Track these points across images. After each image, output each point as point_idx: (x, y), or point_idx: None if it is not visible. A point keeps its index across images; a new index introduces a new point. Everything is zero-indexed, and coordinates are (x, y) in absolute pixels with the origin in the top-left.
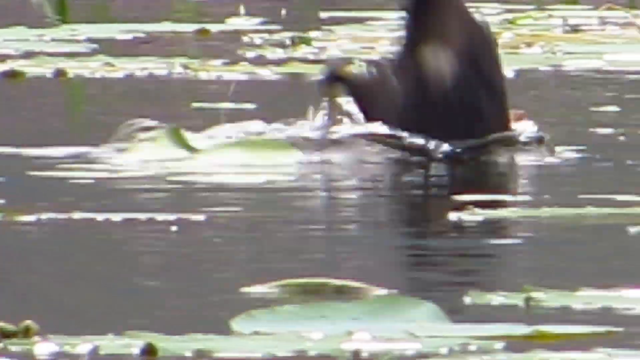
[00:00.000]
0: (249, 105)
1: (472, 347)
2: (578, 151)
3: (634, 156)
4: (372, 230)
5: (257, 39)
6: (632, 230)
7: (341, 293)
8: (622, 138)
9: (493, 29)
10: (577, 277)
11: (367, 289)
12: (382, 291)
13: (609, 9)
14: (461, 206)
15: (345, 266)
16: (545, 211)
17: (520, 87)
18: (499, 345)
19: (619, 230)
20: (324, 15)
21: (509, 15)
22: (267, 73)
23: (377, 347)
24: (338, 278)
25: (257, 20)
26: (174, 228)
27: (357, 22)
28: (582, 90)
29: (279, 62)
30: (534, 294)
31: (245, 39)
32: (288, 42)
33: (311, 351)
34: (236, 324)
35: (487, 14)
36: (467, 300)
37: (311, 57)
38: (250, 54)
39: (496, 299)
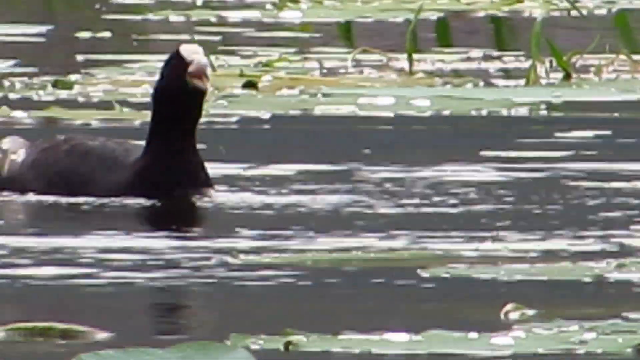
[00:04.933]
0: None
1: None
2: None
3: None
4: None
5: (16, 82)
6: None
7: (67, 336)
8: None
9: (249, 71)
10: (340, 321)
11: (92, 332)
12: (105, 334)
13: (364, 51)
14: (222, 252)
15: (73, 310)
16: (308, 256)
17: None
18: None
19: (383, 273)
20: (80, 57)
21: (264, 58)
22: (23, 116)
23: None
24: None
25: (12, 63)
26: None
27: (115, 65)
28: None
29: (39, 106)
30: (294, 338)
31: (6, 82)
32: (50, 85)
33: None
34: None
35: (244, 56)
36: (229, 343)
37: (70, 100)
38: (11, 96)
39: (257, 342)
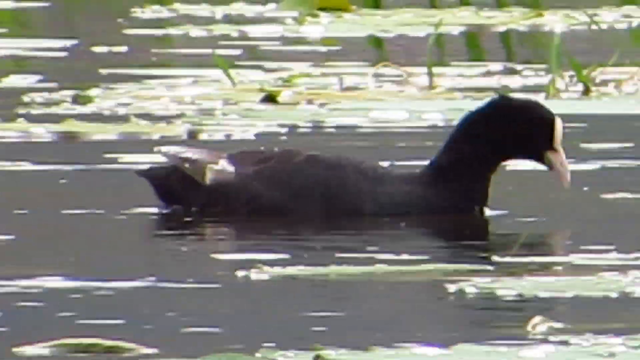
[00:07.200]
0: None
1: None
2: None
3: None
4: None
5: (37, 97)
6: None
7: (112, 352)
8: None
9: (270, 86)
10: (370, 335)
11: (138, 349)
12: (152, 350)
13: (384, 66)
14: (249, 265)
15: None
16: (333, 269)
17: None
18: None
19: (411, 287)
20: (101, 72)
21: (285, 73)
22: (41, 131)
23: None
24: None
25: (35, 78)
26: None
27: (135, 80)
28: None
29: (58, 120)
30: (324, 352)
31: (25, 97)
32: (70, 100)
33: None
34: None
35: (265, 71)
36: (259, 356)
37: (89, 114)
38: (31, 111)
39: (287, 355)
